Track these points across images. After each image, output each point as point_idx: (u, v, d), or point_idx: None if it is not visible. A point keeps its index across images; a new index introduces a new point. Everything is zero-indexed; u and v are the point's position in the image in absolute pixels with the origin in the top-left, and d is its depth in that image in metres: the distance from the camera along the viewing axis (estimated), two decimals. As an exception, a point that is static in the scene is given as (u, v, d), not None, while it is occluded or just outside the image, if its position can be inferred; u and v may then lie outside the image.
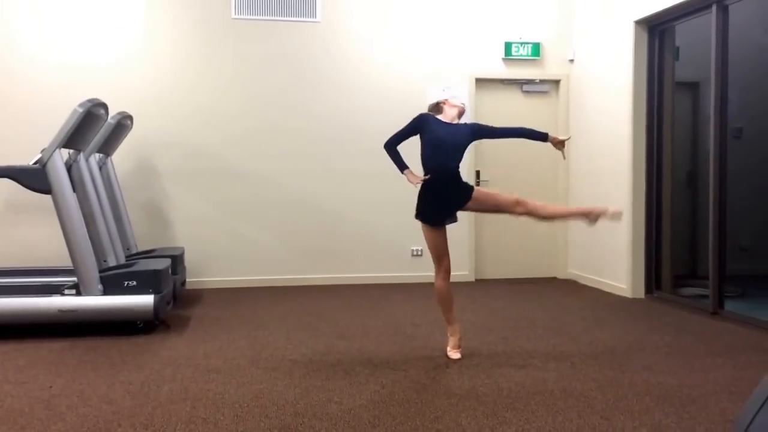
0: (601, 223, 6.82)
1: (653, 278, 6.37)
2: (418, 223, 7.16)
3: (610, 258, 6.70)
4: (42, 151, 4.88)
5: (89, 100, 4.97)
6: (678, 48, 6.41)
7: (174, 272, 5.82)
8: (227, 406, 3.35)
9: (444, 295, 4.31)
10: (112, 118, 5.92)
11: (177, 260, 6.09)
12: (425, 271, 7.28)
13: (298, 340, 4.74)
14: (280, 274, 7.13)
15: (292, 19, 7.07)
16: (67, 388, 3.64)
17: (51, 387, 3.67)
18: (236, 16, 6.99)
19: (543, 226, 7.59)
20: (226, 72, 7.01)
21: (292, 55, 7.09)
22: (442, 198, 4.19)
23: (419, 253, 7.31)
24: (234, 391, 3.59)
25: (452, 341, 4.31)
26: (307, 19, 7.10)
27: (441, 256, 4.27)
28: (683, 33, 6.35)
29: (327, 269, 7.20)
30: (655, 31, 6.31)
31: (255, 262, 7.07)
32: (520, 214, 4.15)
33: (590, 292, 6.71)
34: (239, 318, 5.45)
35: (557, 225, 7.60)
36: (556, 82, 7.61)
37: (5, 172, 4.89)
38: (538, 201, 4.25)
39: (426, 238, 4.29)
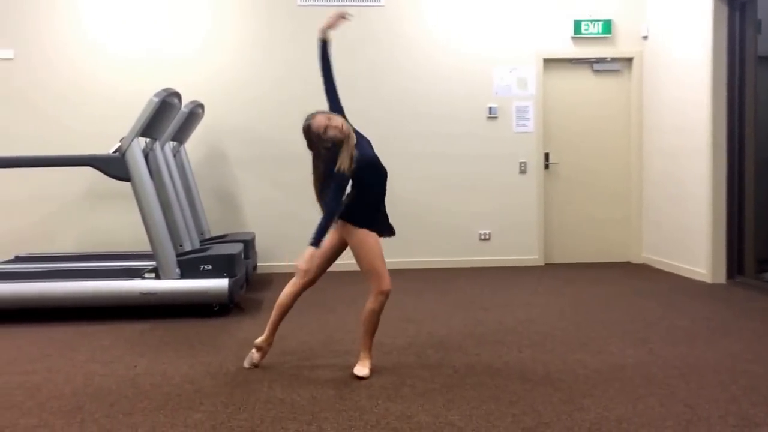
0: (679, 205, 6.66)
1: (735, 262, 6.13)
2: (487, 206, 7.25)
3: (689, 241, 6.48)
4: (121, 140, 5.03)
5: (164, 90, 5.09)
6: (760, 21, 6.12)
7: (246, 257, 5.94)
8: (303, 387, 3.40)
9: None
10: (185, 107, 6.05)
11: (248, 245, 6.20)
12: (493, 255, 7.26)
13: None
14: (345, 258, 7.15)
15: (357, 4, 7.06)
16: (151, 368, 3.76)
17: (135, 366, 3.80)
18: (302, 4, 7.03)
19: (616, 209, 7.43)
20: (291, 59, 7.06)
21: (356, 40, 7.08)
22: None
23: (487, 236, 7.26)
24: (308, 373, 3.64)
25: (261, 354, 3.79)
26: (371, 4, 7.08)
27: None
28: (766, 5, 6.05)
29: (392, 254, 7.11)
30: (736, 3, 6.03)
31: (323, 247, 7.12)
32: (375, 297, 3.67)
33: (667, 277, 6.51)
34: (309, 301, 5.48)
35: (632, 206, 7.41)
36: (629, 60, 7.38)
37: (88, 161, 5.07)
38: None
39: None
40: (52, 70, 6.84)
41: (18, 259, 6.20)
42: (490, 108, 7.22)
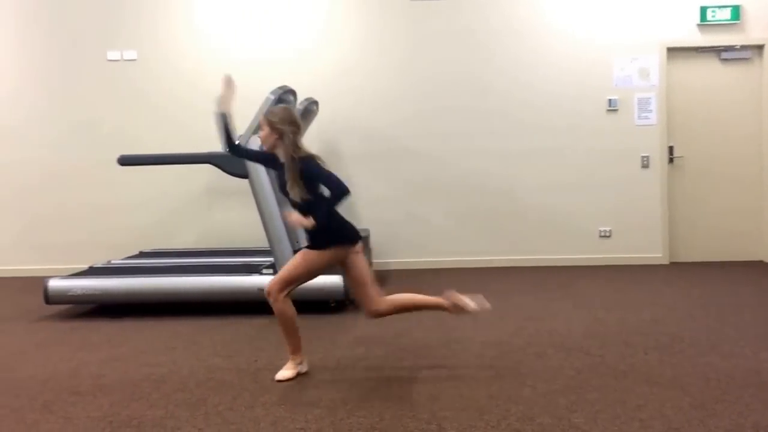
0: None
1: None
2: (607, 202, 6.99)
3: (831, 239, 5.98)
4: (239, 138, 5.16)
5: (280, 87, 5.21)
6: None
7: (360, 253, 5.95)
8: (421, 385, 3.37)
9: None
10: (300, 104, 6.15)
11: (364, 242, 6.21)
12: (614, 252, 6.97)
13: (485, 321, 4.64)
14: (461, 255, 7.09)
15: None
16: (271, 363, 3.83)
17: (256, 361, 3.89)
18: (414, -1, 7.01)
19: (747, 205, 6.96)
20: (404, 54, 7.04)
21: (470, 32, 6.98)
22: None
23: (607, 233, 6.97)
24: (427, 371, 3.61)
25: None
26: (485, -6, 6.97)
27: None
28: None
29: (508, 251, 7.05)
30: None
31: (436, 244, 7.08)
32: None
33: (805, 277, 6.04)
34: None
35: (765, 202, 6.91)
36: (760, 48, 6.88)
37: (208, 158, 5.25)
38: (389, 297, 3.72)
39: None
40: (172, 70, 7.13)
41: (142, 255, 6.52)
42: (610, 100, 6.92)
